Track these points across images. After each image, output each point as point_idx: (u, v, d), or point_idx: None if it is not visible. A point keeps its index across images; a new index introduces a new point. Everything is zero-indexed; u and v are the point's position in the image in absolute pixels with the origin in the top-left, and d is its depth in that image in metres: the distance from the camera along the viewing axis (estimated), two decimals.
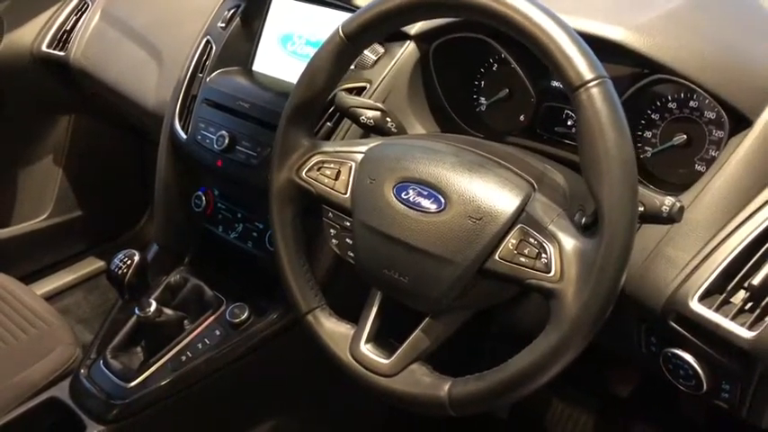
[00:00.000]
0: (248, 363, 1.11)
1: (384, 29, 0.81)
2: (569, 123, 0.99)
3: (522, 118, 1.04)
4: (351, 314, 0.87)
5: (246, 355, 1.10)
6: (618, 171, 0.65)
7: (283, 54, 1.20)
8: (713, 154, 0.89)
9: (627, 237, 0.65)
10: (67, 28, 1.59)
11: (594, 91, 0.65)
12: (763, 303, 0.74)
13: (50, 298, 1.76)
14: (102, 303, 1.83)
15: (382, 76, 1.03)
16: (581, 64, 0.66)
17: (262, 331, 1.11)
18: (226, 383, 1.11)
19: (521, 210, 0.73)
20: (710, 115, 0.88)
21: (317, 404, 1.26)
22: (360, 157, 0.84)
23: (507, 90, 1.04)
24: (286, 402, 1.21)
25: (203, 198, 1.22)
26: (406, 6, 0.76)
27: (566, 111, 0.99)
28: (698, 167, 0.90)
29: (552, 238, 0.70)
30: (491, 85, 1.06)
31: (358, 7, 0.92)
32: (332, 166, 0.85)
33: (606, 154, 0.65)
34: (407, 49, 1.04)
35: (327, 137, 1.05)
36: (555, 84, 0.99)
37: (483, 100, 1.08)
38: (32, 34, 1.60)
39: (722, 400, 0.80)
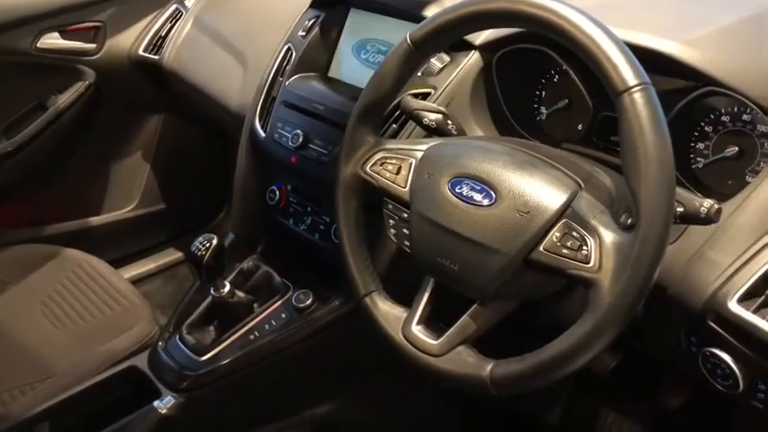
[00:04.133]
0: (310, 345, 1.18)
1: (448, 37, 0.88)
2: None
3: (579, 127, 1.08)
4: (406, 301, 0.94)
5: (309, 338, 1.18)
6: (655, 170, 0.69)
7: (357, 62, 1.28)
8: (764, 166, 0.91)
9: (661, 232, 0.69)
10: (162, 34, 1.72)
11: (637, 96, 0.70)
12: None
13: (134, 283, 1.89)
14: (179, 292, 1.94)
15: (447, 83, 1.10)
16: (626, 71, 0.71)
17: (324, 317, 1.19)
18: (288, 363, 1.19)
19: (567, 206, 0.78)
20: (763, 129, 0.91)
21: (374, 390, 1.32)
22: (420, 154, 0.91)
23: (567, 100, 1.09)
24: (344, 386, 1.28)
25: (277, 192, 1.31)
26: (468, 17, 0.83)
27: None
28: (748, 179, 0.93)
29: (594, 231, 0.75)
30: (551, 95, 1.11)
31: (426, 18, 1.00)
32: (394, 161, 0.93)
33: (645, 154, 0.69)
34: (472, 59, 1.11)
35: (393, 137, 1.11)
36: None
37: (543, 109, 1.13)
38: (131, 39, 1.74)
39: (758, 400, 0.83)
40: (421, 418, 1.39)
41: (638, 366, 1.41)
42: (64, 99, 1.69)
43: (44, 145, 1.69)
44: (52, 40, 1.64)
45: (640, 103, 0.70)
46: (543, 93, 1.13)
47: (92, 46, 1.70)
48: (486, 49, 1.10)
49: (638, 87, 0.70)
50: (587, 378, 1.49)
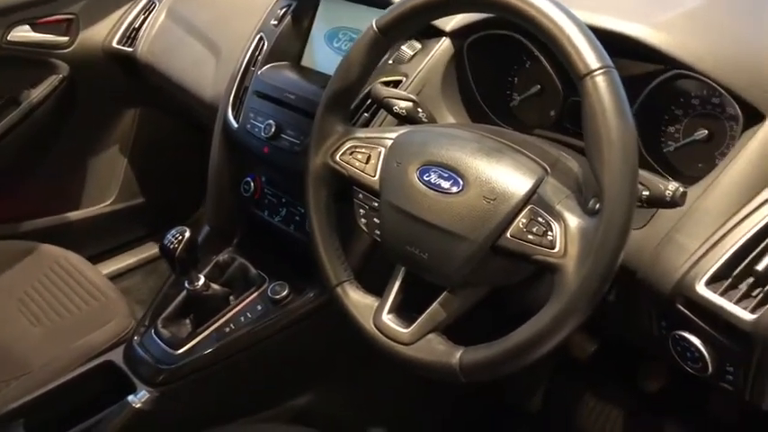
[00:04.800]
0: (287, 336, 1.18)
1: (414, 23, 0.88)
2: None
3: (552, 113, 1.08)
4: (381, 291, 0.93)
5: (285, 329, 1.18)
6: (619, 154, 0.69)
7: (329, 50, 1.27)
8: (732, 149, 0.91)
9: (625, 216, 0.69)
10: (136, 26, 1.71)
11: (599, 79, 0.70)
12: (767, 288, 0.77)
13: (113, 278, 1.87)
14: (160, 286, 1.94)
15: (417, 70, 1.09)
16: (588, 54, 0.71)
17: (300, 308, 1.18)
18: (265, 355, 1.19)
19: (533, 191, 0.78)
20: (731, 111, 0.91)
21: (352, 380, 1.32)
22: (389, 142, 0.91)
23: (539, 86, 1.08)
24: (322, 377, 1.28)
25: (251, 184, 1.30)
26: (433, 3, 0.82)
27: None
28: (717, 162, 0.93)
29: (559, 217, 0.75)
30: (523, 81, 1.11)
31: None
32: (363, 150, 0.92)
33: (608, 138, 0.69)
34: (442, 45, 1.10)
35: (364, 126, 1.11)
36: None
37: (516, 95, 1.12)
38: (104, 31, 1.72)
39: (727, 382, 0.83)
40: (400, 408, 1.40)
41: (618, 351, 1.42)
42: (37, 93, 1.67)
43: (18, 140, 1.67)
44: (23, 33, 1.62)
45: (602, 87, 0.70)
46: (515, 79, 1.12)
47: (64, 39, 1.68)
48: (456, 35, 1.10)
49: (601, 71, 0.70)
50: (568, 364, 1.50)
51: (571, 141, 1.03)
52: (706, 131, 0.93)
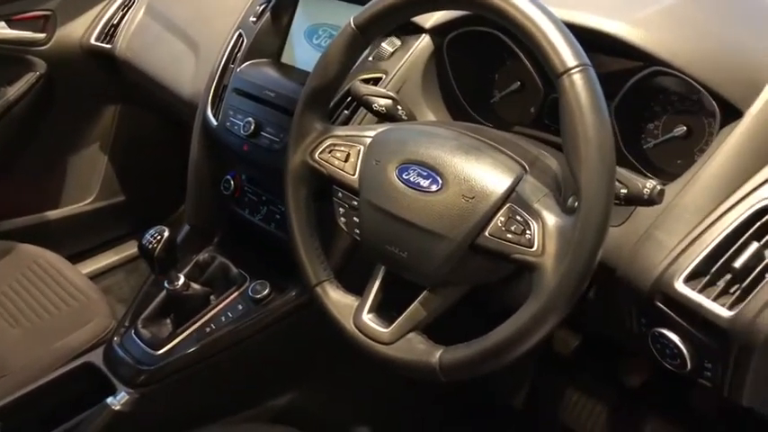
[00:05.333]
0: (268, 336, 1.17)
1: (392, 20, 0.87)
2: None
3: (532, 110, 1.08)
4: (361, 290, 0.93)
5: (266, 328, 1.17)
6: (595, 152, 0.69)
7: (309, 47, 1.26)
8: (709, 145, 0.91)
9: (602, 215, 0.69)
10: (114, 22, 1.68)
11: (576, 77, 0.70)
12: (744, 285, 0.77)
13: (94, 277, 1.86)
14: (141, 285, 1.93)
15: (397, 68, 1.09)
16: (565, 52, 0.70)
17: (281, 307, 1.18)
18: (247, 355, 1.18)
19: (511, 190, 0.77)
20: (709, 108, 0.91)
21: (333, 379, 1.31)
22: (368, 140, 0.90)
23: (519, 83, 1.08)
24: (303, 375, 1.28)
25: (231, 182, 1.29)
26: (411, 0, 0.82)
27: None
28: (696, 158, 0.93)
29: (537, 215, 0.74)
30: (504, 78, 1.11)
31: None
32: (342, 148, 0.91)
33: (585, 136, 0.69)
34: (422, 42, 1.10)
35: (344, 124, 1.10)
36: None
37: (496, 92, 1.12)
38: (82, 28, 1.70)
39: (705, 378, 0.83)
40: (381, 407, 1.39)
41: (600, 346, 1.43)
42: (14, 91, 1.65)
43: None
44: None
45: (579, 85, 0.69)
46: (496, 76, 1.12)
47: (41, 36, 1.66)
48: (436, 32, 1.09)
49: (578, 69, 0.70)
50: (551, 359, 1.50)
51: (551, 138, 1.02)
52: (685, 128, 0.93)
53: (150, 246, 1.10)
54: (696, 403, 1.34)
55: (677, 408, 1.39)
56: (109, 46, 1.67)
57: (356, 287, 0.93)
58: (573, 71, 0.70)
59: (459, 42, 1.10)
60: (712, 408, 1.32)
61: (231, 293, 1.21)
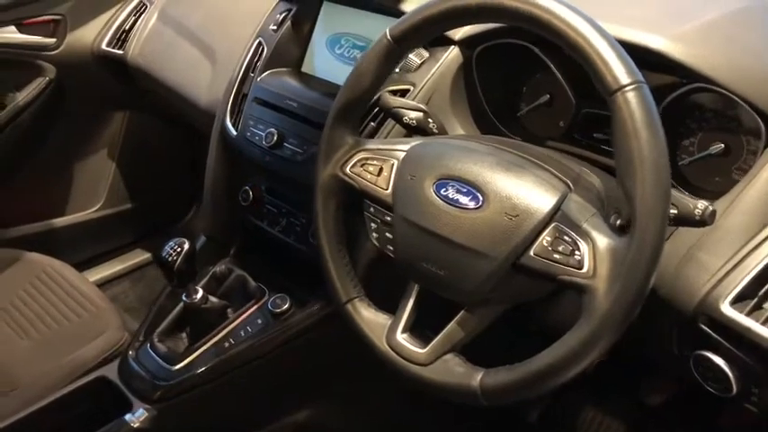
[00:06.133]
0: (288, 351, 1.15)
1: (429, 33, 0.85)
2: (607, 129, 1.01)
3: (561, 123, 1.06)
4: (389, 307, 0.90)
5: (286, 343, 1.15)
6: (651, 172, 0.67)
7: (331, 57, 1.24)
8: (750, 164, 0.90)
9: (657, 236, 0.67)
10: (126, 27, 1.66)
11: (631, 95, 0.68)
12: None
13: (100, 285, 1.83)
14: (148, 294, 1.90)
15: (426, 80, 1.07)
16: (618, 69, 0.68)
17: (302, 321, 1.15)
18: (266, 370, 1.15)
19: (556, 209, 0.75)
20: (749, 125, 0.89)
21: (352, 394, 1.29)
22: (402, 154, 0.88)
23: (548, 96, 1.06)
24: (323, 392, 1.25)
25: (250, 193, 1.27)
26: (450, 12, 0.79)
27: (604, 117, 1.01)
28: (735, 176, 0.91)
29: (586, 236, 0.72)
30: (532, 91, 1.09)
31: (404, 12, 0.96)
32: (375, 162, 0.89)
33: (640, 155, 0.67)
34: (451, 54, 1.08)
35: (371, 136, 1.08)
36: (594, 90, 1.02)
37: (524, 105, 1.10)
38: (93, 33, 1.67)
39: (751, 403, 0.81)
40: (400, 423, 1.37)
41: (621, 363, 1.40)
42: (23, 96, 1.62)
43: (3, 144, 1.62)
44: (8, 35, 1.56)
45: (634, 103, 0.67)
46: (524, 88, 1.10)
47: (51, 40, 1.63)
48: (465, 44, 1.07)
49: (632, 86, 0.68)
50: None
51: (583, 153, 1.01)
52: (722, 145, 0.92)
53: (170, 258, 1.07)
54: (725, 423, 1.31)
55: (698, 428, 1.37)
56: (120, 52, 1.64)
57: (383, 303, 0.90)
58: (627, 88, 0.68)
59: (488, 54, 1.08)
60: (743, 428, 1.30)
61: (250, 307, 1.18)
